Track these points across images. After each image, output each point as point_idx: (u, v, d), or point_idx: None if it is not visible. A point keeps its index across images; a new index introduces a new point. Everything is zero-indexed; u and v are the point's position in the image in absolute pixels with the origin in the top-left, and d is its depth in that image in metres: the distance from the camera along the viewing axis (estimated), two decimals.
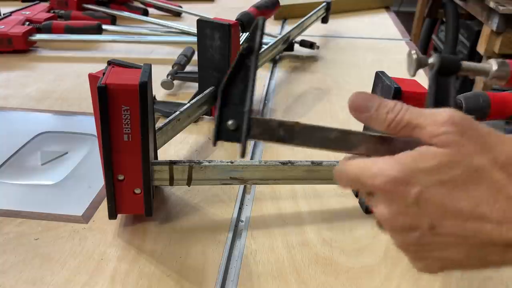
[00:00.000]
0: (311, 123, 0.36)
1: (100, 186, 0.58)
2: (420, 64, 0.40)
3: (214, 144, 0.34)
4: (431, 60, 0.40)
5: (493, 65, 0.41)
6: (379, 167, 0.32)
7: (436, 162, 0.30)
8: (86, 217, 0.53)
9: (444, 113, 0.32)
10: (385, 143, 0.36)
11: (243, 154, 0.34)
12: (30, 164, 0.63)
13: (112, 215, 0.49)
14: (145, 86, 0.43)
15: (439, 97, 0.41)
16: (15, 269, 0.46)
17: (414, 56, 0.40)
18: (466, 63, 0.40)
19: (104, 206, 0.52)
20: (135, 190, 0.48)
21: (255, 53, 0.33)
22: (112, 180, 0.47)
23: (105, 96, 0.43)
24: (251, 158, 0.66)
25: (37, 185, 0.59)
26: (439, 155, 0.31)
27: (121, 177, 0.47)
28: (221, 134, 0.34)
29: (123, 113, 0.44)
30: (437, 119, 0.32)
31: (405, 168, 0.31)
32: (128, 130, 0.45)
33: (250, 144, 0.70)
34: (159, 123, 0.60)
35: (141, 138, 0.45)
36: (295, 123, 0.36)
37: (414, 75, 0.40)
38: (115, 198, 0.48)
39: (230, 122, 0.34)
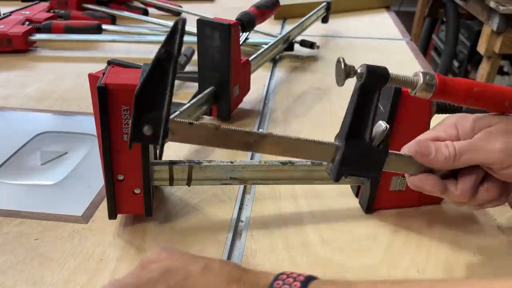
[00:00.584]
0: (232, 127, 0.38)
1: (100, 186, 0.58)
2: (348, 73, 0.38)
3: (130, 146, 0.35)
4: (359, 69, 0.38)
5: (420, 77, 0.40)
6: None
7: (157, 272, 0.33)
8: (86, 217, 0.53)
9: None
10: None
11: (160, 157, 0.34)
12: (30, 164, 0.63)
13: (112, 215, 0.49)
14: None
15: (360, 110, 0.40)
16: (15, 269, 0.46)
17: (342, 64, 0.38)
18: (394, 75, 0.39)
19: (104, 206, 0.52)
20: (135, 190, 0.48)
21: (174, 58, 0.32)
22: (112, 180, 0.47)
23: (105, 96, 0.43)
24: (251, 158, 0.66)
25: (37, 185, 0.59)
26: (157, 267, 0.34)
27: (121, 177, 0.47)
28: (137, 138, 0.34)
29: (123, 113, 0.44)
30: None
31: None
32: (128, 130, 0.45)
33: None
34: None
35: None
36: (215, 127, 0.37)
37: (342, 84, 0.38)
38: (115, 198, 0.48)
39: (146, 127, 0.34)
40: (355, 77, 0.39)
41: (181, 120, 0.36)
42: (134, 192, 0.48)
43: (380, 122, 0.40)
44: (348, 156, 0.40)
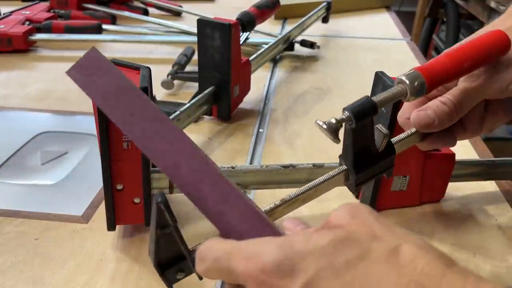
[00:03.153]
0: None
1: (100, 186, 0.58)
2: (334, 129, 0.36)
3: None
4: (344, 116, 0.36)
5: (407, 83, 0.37)
6: (255, 250, 0.26)
7: (328, 240, 0.25)
8: (86, 217, 0.53)
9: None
10: None
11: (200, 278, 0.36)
12: (30, 164, 0.63)
13: (111, 226, 0.47)
14: (145, 92, 0.41)
15: (360, 141, 0.38)
16: (15, 269, 0.46)
17: (324, 126, 0.36)
18: (379, 98, 0.36)
19: (104, 206, 0.52)
20: (135, 199, 0.47)
21: (172, 225, 0.33)
22: (111, 190, 0.45)
23: None
24: (251, 162, 0.66)
25: (37, 185, 0.59)
26: (332, 232, 0.25)
27: (120, 187, 0.46)
28: (173, 283, 0.36)
29: None
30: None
31: (289, 251, 0.25)
32: (128, 138, 0.43)
33: (250, 145, 0.70)
34: None
35: None
36: None
37: (338, 141, 0.36)
38: (114, 209, 0.47)
39: (178, 274, 0.36)
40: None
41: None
42: (134, 202, 0.47)
43: (379, 128, 0.39)
44: (361, 177, 0.40)
